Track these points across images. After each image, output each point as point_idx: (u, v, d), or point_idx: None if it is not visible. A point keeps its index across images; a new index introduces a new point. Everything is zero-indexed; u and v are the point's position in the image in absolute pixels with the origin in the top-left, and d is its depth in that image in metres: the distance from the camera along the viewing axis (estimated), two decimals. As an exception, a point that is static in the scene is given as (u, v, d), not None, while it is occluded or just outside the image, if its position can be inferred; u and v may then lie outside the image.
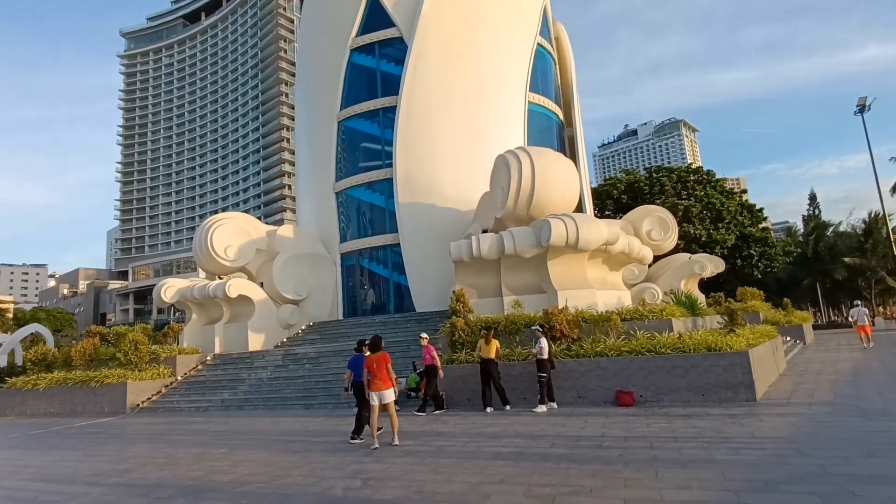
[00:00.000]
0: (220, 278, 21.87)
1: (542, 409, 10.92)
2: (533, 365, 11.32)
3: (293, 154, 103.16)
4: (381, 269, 24.30)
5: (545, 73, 26.47)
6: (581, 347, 12.00)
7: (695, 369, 10.77)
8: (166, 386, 17.62)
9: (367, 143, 25.71)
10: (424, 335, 12.61)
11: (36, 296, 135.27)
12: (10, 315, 73.08)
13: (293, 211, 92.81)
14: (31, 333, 36.63)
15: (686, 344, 11.08)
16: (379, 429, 8.94)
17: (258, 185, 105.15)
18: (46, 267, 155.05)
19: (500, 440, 8.66)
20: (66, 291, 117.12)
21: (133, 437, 11.94)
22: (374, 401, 8.68)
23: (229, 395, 16.03)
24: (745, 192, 41.66)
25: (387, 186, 23.70)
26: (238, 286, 20.33)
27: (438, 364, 11.83)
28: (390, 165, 23.42)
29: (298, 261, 23.22)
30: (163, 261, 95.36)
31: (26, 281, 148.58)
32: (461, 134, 23.30)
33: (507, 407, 11.43)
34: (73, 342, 37.53)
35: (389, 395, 8.72)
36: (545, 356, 11.19)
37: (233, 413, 14.61)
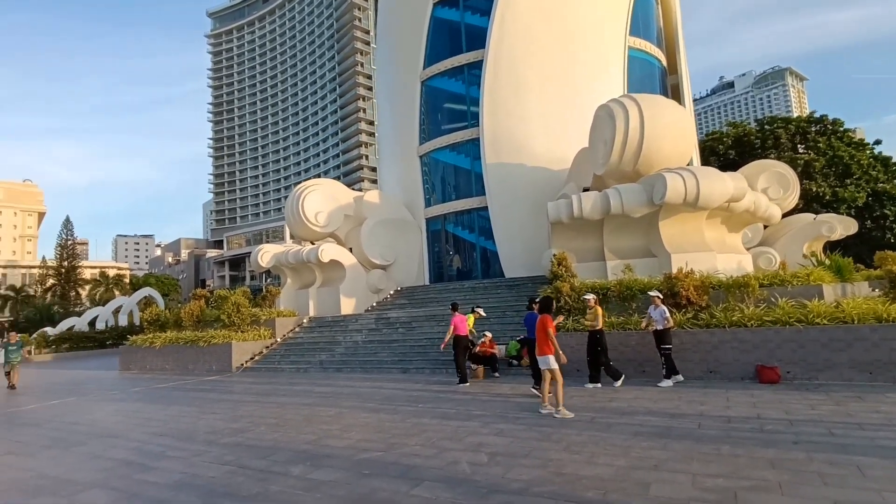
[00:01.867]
0: (313, 244, 22.21)
1: (667, 383, 9.75)
2: (650, 335, 10.13)
3: (370, 124, 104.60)
4: (467, 233, 23.57)
5: (646, 15, 23.79)
6: (711, 316, 10.55)
7: (860, 343, 9.05)
8: (267, 347, 18.24)
9: (451, 102, 24.66)
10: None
11: (146, 263, 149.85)
12: (127, 280, 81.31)
13: (371, 181, 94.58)
14: (145, 296, 40.31)
15: (848, 313, 9.34)
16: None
17: (337, 155, 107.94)
18: (153, 237, 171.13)
19: (631, 417, 7.68)
20: (170, 259, 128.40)
21: (242, 396, 12.24)
22: (542, 365, 8.16)
23: (327, 356, 16.21)
24: (878, 142, 35.86)
25: (472, 147, 22.68)
26: (330, 251, 20.49)
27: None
28: (476, 125, 22.32)
29: (385, 226, 23.03)
30: (253, 230, 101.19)
31: (137, 250, 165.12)
32: (552, 87, 21.60)
33: (598, 385, 10.14)
34: (179, 305, 40.86)
35: (546, 362, 7.99)
36: (671, 325, 9.95)
37: (332, 374, 14.72)
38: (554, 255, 14.24)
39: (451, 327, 11.34)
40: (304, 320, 20.04)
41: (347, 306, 20.81)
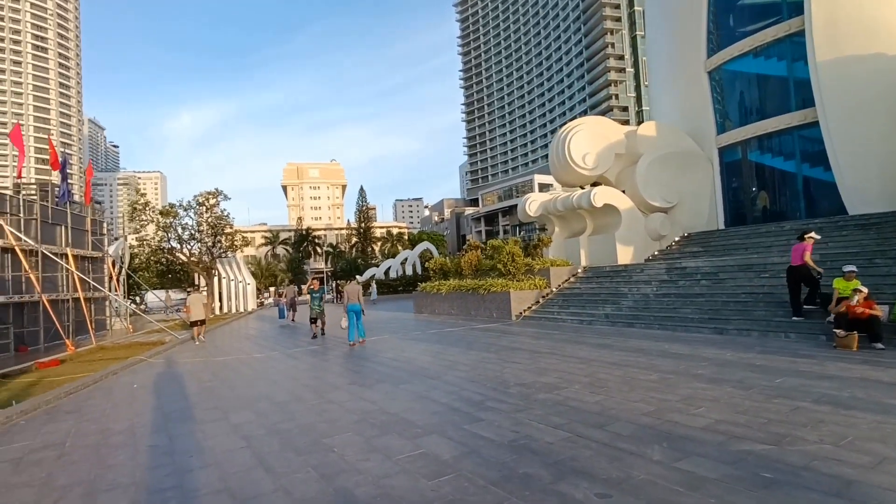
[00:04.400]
0: (582, 188, 20.60)
1: None
2: None
3: (620, 59, 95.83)
4: (781, 161, 18.39)
5: None
6: None
7: None
8: (543, 297, 17.69)
9: (751, -5, 19.23)
10: None
11: (418, 222, 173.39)
12: (406, 237, 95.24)
13: (622, 121, 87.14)
14: (424, 249, 45.77)
15: None
16: None
17: (584, 100, 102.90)
18: (422, 199, 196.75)
19: None
20: (436, 218, 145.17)
21: (535, 346, 11.65)
22: None
23: (612, 309, 14.62)
24: None
25: (790, 47, 17.24)
26: (604, 195, 18.56)
27: None
28: (792, 16, 16.77)
29: (664, 162, 19.74)
30: (503, 186, 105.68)
31: (411, 211, 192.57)
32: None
33: None
34: (446, 257, 45.21)
35: None
36: None
37: (623, 330, 13.10)
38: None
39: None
40: (579, 270, 18.79)
41: (624, 255, 18.69)
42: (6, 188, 19.97)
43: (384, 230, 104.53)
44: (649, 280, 15.46)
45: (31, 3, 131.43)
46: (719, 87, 19.95)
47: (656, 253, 18.85)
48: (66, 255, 18.26)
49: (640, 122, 55.65)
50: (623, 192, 19.97)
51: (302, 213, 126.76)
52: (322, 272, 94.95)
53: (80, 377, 10.43)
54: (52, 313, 16.94)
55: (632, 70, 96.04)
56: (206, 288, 33.53)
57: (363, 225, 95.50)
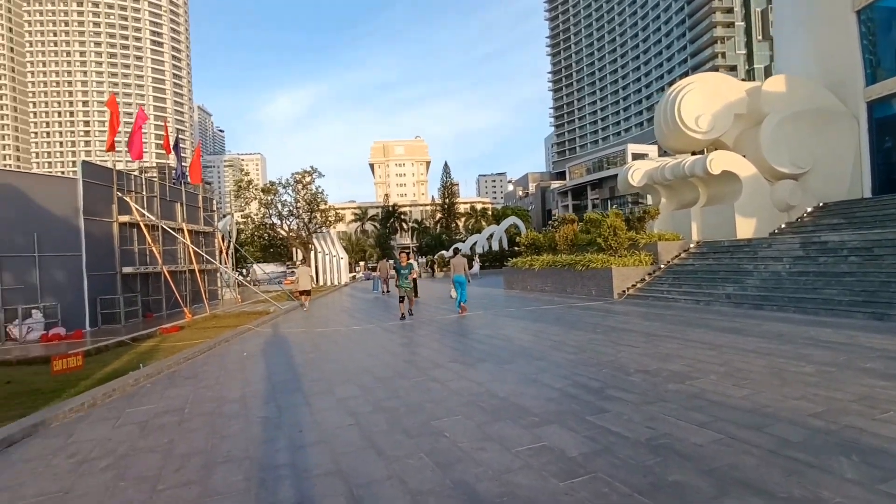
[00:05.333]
0: (694, 154, 18.57)
1: None
2: None
3: (727, 13, 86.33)
4: (953, 114, 15.22)
5: None
6: None
7: None
8: (649, 274, 16.26)
9: None
10: None
11: (501, 197, 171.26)
12: (490, 212, 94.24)
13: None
14: (511, 224, 44.78)
15: None
16: None
17: (685, 60, 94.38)
18: (505, 174, 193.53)
19: None
20: (520, 193, 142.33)
21: (648, 328, 10.59)
22: None
23: (735, 289, 12.99)
24: None
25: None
26: (722, 160, 16.55)
27: None
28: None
29: (796, 121, 17.17)
30: (592, 158, 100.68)
31: (494, 186, 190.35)
32: None
33: None
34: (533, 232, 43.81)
35: None
36: None
37: (750, 312, 11.56)
38: None
39: None
40: (691, 245, 17.03)
41: (745, 228, 16.65)
42: (133, 170, 21.91)
43: (468, 206, 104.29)
44: (780, 256, 13.52)
45: (149, 2, 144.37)
46: (870, 29, 16.80)
47: (783, 226, 16.56)
48: (183, 230, 19.70)
49: (751, 81, 49.82)
50: (744, 156, 17.71)
51: (388, 189, 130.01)
52: (408, 247, 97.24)
53: (196, 343, 11.05)
54: (171, 284, 18.44)
55: (742, 24, 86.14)
56: (302, 262, 35.25)
57: (447, 201, 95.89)
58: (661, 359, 7.54)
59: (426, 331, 11.55)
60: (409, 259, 14.34)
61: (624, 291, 15.76)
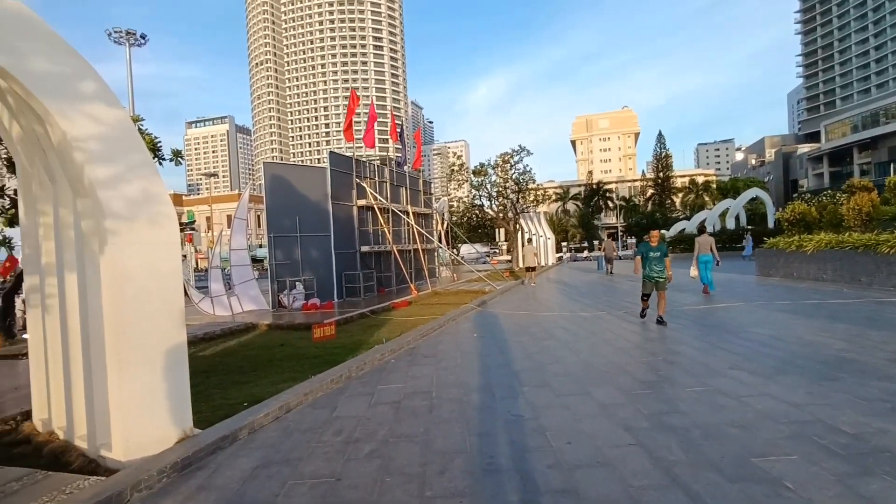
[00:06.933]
0: None
1: None
2: None
3: None
4: None
5: None
6: None
7: None
8: None
9: None
10: None
11: (727, 168, 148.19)
12: (714, 186, 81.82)
13: None
14: (754, 197, 37.61)
15: None
16: None
17: None
18: (733, 141, 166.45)
19: None
20: (753, 161, 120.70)
21: None
22: None
23: None
24: None
25: None
26: None
27: None
28: None
29: None
30: (861, 112, 79.04)
31: (718, 156, 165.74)
32: None
33: None
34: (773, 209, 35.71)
35: None
36: None
37: None
38: None
39: None
40: None
41: None
42: (371, 157, 24.31)
43: (685, 179, 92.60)
44: None
45: (371, 11, 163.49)
46: None
47: None
48: (408, 212, 21.05)
49: None
50: None
51: (591, 166, 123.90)
52: (615, 227, 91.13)
53: (426, 320, 11.27)
54: (399, 261, 19.87)
55: None
56: (506, 243, 35.29)
57: (661, 175, 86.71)
58: None
59: (675, 324, 9.71)
60: (660, 239, 9.83)
61: (966, 284, 11.16)
